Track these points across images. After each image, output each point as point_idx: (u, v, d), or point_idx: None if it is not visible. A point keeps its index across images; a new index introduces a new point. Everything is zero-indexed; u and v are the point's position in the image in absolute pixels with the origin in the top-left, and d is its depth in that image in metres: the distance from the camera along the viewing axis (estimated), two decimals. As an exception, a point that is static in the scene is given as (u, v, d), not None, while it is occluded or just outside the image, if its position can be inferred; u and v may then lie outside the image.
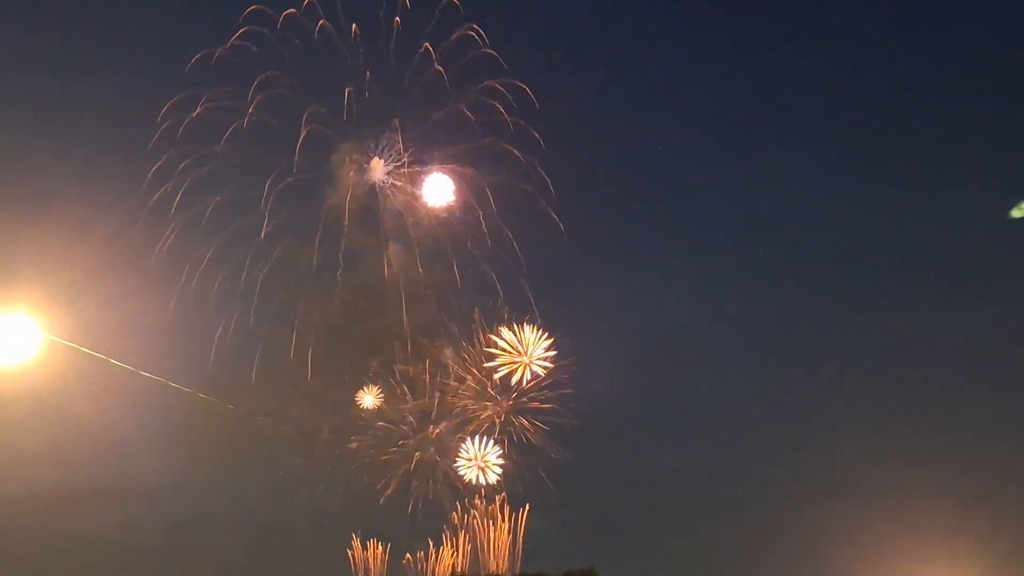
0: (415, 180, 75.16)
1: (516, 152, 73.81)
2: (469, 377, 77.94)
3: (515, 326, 76.27)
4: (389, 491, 76.90)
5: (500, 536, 78.62)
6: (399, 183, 74.93)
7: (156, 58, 78.18)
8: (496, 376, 77.20)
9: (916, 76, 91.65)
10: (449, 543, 78.47)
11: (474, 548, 78.79)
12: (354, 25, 72.84)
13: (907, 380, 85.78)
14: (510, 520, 78.52)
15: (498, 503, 78.69)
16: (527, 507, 77.99)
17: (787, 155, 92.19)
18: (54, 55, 76.99)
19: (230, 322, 74.35)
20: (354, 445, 77.07)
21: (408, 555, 78.07)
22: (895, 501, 76.91)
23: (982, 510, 73.66)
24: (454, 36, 73.07)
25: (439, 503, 78.14)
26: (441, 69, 73.04)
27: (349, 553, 77.86)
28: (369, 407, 77.60)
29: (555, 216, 74.39)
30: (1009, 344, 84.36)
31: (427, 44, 72.45)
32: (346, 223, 73.11)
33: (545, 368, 76.68)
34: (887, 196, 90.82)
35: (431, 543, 78.55)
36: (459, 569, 78.09)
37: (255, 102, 71.87)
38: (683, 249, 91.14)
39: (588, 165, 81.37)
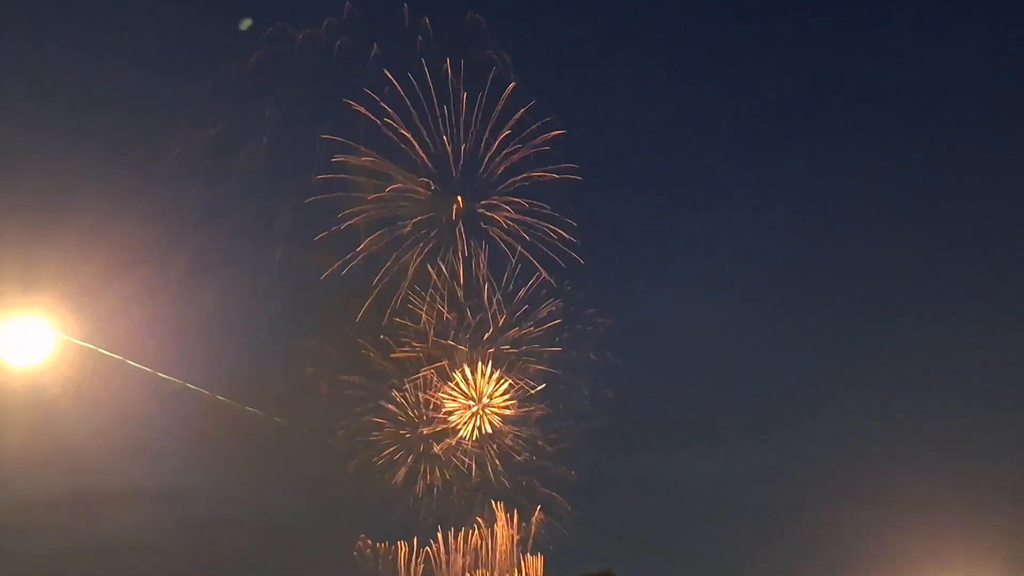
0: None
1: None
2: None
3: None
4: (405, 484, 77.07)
5: (513, 539, 78.59)
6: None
7: (176, 63, 78.76)
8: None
9: (937, 85, 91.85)
10: (460, 548, 78.51)
11: (487, 551, 78.84)
12: (375, 44, 73.12)
13: (926, 385, 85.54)
14: (519, 526, 78.61)
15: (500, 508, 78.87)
16: (539, 509, 77.98)
17: (810, 162, 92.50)
18: (68, 58, 77.49)
19: (250, 325, 74.73)
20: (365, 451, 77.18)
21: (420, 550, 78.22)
22: (913, 506, 76.61)
23: (1001, 515, 73.27)
24: (477, 57, 73.45)
25: (454, 505, 78.22)
26: (454, 79, 73.41)
27: (355, 555, 77.99)
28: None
29: (573, 234, 74.75)
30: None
31: (447, 65, 72.77)
32: (362, 235, 73.50)
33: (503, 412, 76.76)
34: (913, 204, 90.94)
35: (443, 545, 78.68)
36: (471, 572, 78.04)
37: (272, 119, 72.34)
38: (704, 254, 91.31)
39: (607, 167, 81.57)
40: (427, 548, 77.74)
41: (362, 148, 72.34)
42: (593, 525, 77.55)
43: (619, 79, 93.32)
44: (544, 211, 74.34)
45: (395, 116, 72.55)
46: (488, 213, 74.83)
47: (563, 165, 73.97)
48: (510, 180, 74.76)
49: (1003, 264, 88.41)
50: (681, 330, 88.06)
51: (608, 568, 74.97)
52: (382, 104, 72.37)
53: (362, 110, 72.49)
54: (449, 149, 73.60)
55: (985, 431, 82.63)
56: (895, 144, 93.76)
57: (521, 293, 76.30)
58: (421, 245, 74.38)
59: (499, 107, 73.29)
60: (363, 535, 77.31)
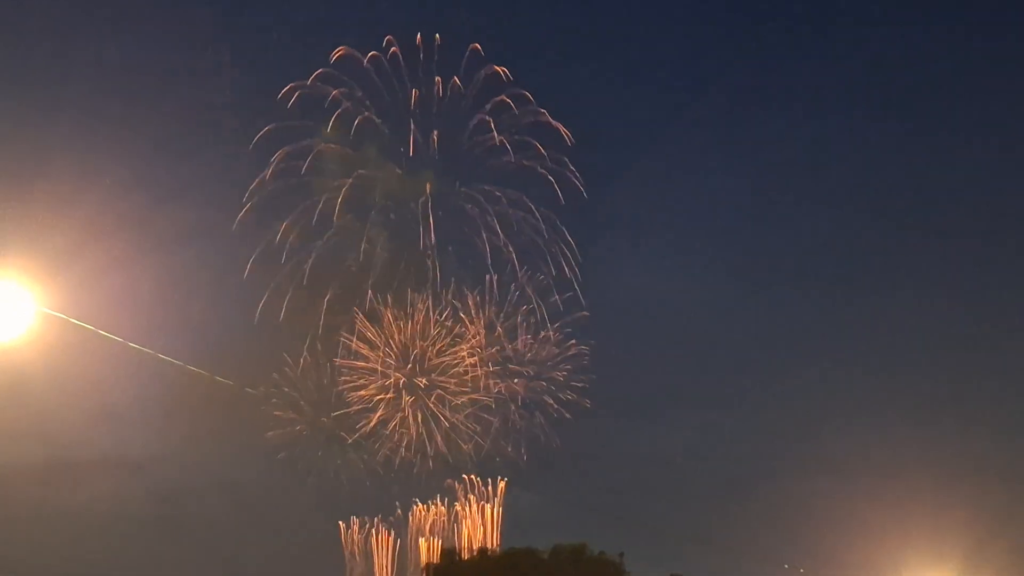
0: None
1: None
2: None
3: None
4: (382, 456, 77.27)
5: (486, 512, 79.07)
6: None
7: (154, 37, 78.30)
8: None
9: (912, 79, 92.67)
10: (429, 523, 79.14)
11: (458, 523, 79.37)
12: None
13: (892, 362, 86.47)
14: (492, 497, 79.12)
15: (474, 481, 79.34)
16: (503, 482, 78.56)
17: (782, 148, 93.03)
18: (46, 26, 76.79)
19: (221, 297, 74.61)
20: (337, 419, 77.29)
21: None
22: (881, 479, 77.47)
23: (966, 488, 74.18)
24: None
25: (425, 478, 78.58)
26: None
27: (340, 525, 78.39)
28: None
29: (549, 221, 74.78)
30: (990, 329, 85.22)
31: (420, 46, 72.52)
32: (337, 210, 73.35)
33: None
34: (878, 190, 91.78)
35: (413, 515, 79.28)
36: (443, 544, 78.63)
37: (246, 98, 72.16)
38: (677, 229, 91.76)
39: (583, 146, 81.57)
40: (382, 522, 78.76)
41: (330, 130, 72.28)
42: (566, 498, 78.26)
43: (598, 63, 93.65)
44: (514, 196, 74.58)
45: (369, 100, 72.69)
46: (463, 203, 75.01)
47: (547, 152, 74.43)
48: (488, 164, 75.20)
49: (970, 240, 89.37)
50: (651, 304, 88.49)
51: (582, 541, 75.49)
52: (359, 93, 72.44)
53: (335, 93, 72.43)
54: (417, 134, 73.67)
55: (952, 403, 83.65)
56: (859, 126, 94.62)
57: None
58: (387, 233, 74.55)
59: (474, 91, 73.51)
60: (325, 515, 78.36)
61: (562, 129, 74.48)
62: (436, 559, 77.37)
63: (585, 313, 77.64)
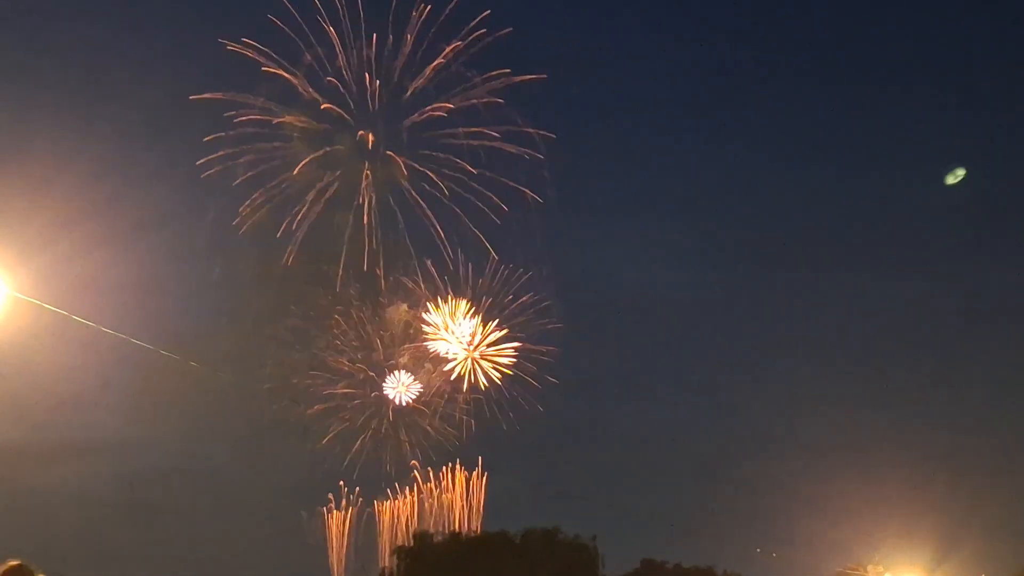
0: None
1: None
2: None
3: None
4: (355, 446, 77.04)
5: (458, 497, 79.21)
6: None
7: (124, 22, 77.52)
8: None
9: (864, 62, 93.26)
10: (404, 504, 79.20)
11: (430, 508, 79.47)
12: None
13: (868, 348, 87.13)
14: (466, 482, 79.20)
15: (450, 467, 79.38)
16: (464, 472, 78.64)
17: (750, 139, 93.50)
18: (17, 7, 76.07)
19: (193, 281, 74.16)
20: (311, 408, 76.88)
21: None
22: (855, 463, 78.03)
23: (939, 472, 74.85)
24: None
25: (399, 463, 78.51)
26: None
27: (303, 515, 78.44)
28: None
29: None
30: (964, 313, 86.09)
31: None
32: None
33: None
34: (856, 179, 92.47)
35: (389, 500, 79.35)
36: (416, 528, 78.77)
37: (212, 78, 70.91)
38: (649, 212, 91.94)
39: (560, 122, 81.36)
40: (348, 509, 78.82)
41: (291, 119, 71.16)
42: (537, 483, 78.51)
43: (587, 34, 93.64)
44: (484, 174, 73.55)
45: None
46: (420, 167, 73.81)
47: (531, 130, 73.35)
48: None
49: (949, 232, 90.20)
50: (624, 288, 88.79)
51: (555, 525, 75.73)
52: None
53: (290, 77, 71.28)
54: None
55: (926, 389, 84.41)
56: (840, 108, 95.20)
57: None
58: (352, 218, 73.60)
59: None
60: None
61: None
62: (408, 543, 77.41)
63: (559, 325, 77.33)
